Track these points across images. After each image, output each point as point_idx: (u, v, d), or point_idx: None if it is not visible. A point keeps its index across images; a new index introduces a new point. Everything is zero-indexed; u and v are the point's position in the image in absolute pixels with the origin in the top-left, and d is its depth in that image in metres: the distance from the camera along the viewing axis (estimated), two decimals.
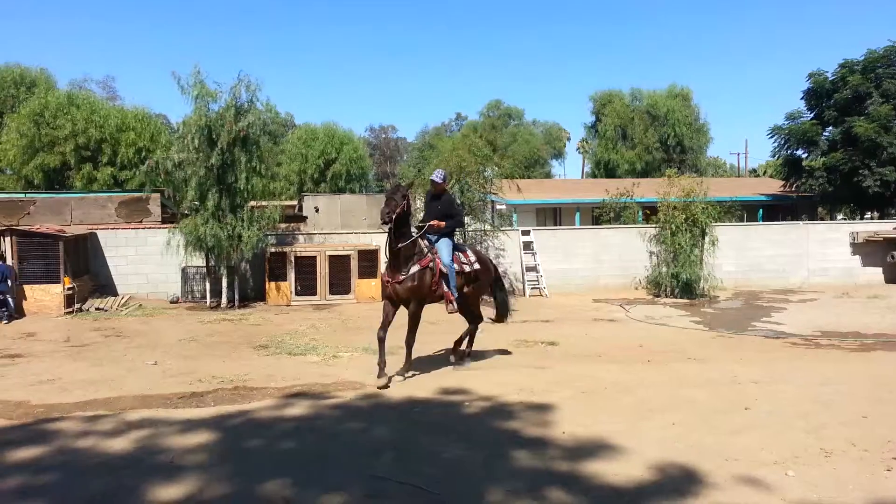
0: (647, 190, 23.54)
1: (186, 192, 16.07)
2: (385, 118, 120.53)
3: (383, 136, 71.07)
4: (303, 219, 24.10)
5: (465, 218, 17.82)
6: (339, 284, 17.40)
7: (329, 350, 10.66)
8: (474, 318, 9.57)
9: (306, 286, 17.29)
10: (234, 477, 5.17)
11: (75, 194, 21.80)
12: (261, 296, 17.57)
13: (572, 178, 57.83)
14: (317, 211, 25.04)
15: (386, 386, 7.92)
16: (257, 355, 10.33)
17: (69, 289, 15.33)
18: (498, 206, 25.58)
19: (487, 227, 18.34)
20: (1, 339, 12.24)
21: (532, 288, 19.48)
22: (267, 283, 17.25)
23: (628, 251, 20.27)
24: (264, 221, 16.73)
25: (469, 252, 9.33)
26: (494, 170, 18.82)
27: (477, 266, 9.16)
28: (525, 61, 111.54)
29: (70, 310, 15.15)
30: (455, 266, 8.75)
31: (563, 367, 9.29)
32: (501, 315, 10.13)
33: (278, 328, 13.39)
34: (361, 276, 17.53)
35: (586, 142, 57.87)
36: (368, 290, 17.53)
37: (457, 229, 9.74)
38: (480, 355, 10.12)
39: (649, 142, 47.31)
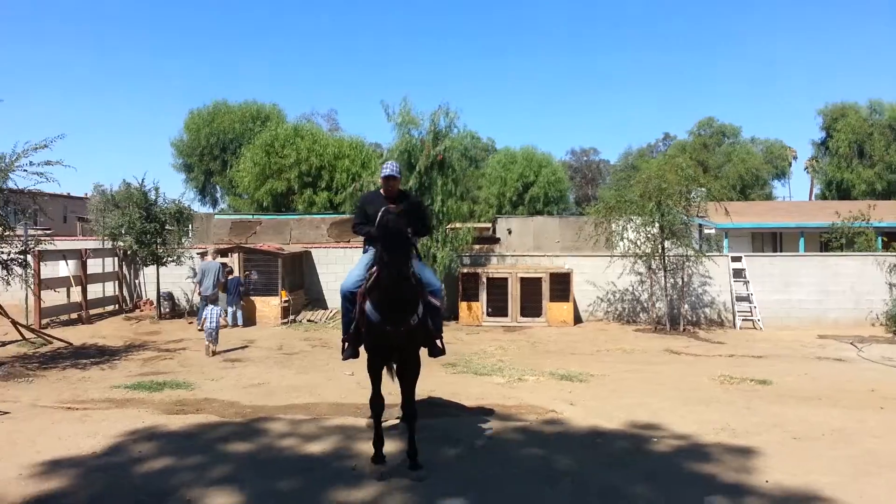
0: (886, 213, 20.75)
1: None
2: (587, 141, 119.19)
3: (585, 158, 70.17)
4: (496, 240, 24.40)
5: (667, 242, 16.84)
6: (531, 307, 17.24)
7: (515, 373, 10.52)
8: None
9: (497, 307, 17.37)
10: (410, 490, 5.22)
11: (294, 216, 24.16)
12: (454, 315, 17.96)
13: (800, 200, 52.46)
14: (509, 233, 25.21)
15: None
16: (445, 373, 10.47)
17: (285, 301, 16.89)
18: (706, 230, 23.91)
19: (690, 252, 17.11)
20: (224, 344, 13.69)
21: (743, 319, 17.81)
22: (459, 303, 17.62)
23: (863, 282, 17.83)
24: (457, 242, 17.15)
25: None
26: (701, 192, 17.55)
27: None
28: (742, 77, 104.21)
29: (285, 320, 16.67)
30: None
31: (773, 408, 8.25)
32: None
33: (467, 347, 13.53)
34: (553, 299, 17.24)
35: (816, 160, 52.37)
36: (560, 313, 17.17)
37: None
38: (675, 389, 9.36)
39: (892, 159, 41.55)
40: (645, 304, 18.20)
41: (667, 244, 16.91)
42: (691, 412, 7.91)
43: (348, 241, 20.70)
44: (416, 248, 6.03)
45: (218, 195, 45.61)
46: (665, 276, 17.31)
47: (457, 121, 17.21)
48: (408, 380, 5.95)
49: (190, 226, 19.92)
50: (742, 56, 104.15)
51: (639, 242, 16.99)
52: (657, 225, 16.65)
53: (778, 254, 23.83)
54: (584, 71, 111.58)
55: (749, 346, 14.58)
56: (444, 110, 17.05)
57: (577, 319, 17.95)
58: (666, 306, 17.35)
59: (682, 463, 5.95)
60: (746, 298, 17.99)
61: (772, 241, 29.35)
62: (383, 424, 6.99)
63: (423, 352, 6.15)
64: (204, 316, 12.94)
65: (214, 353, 12.40)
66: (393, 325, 5.54)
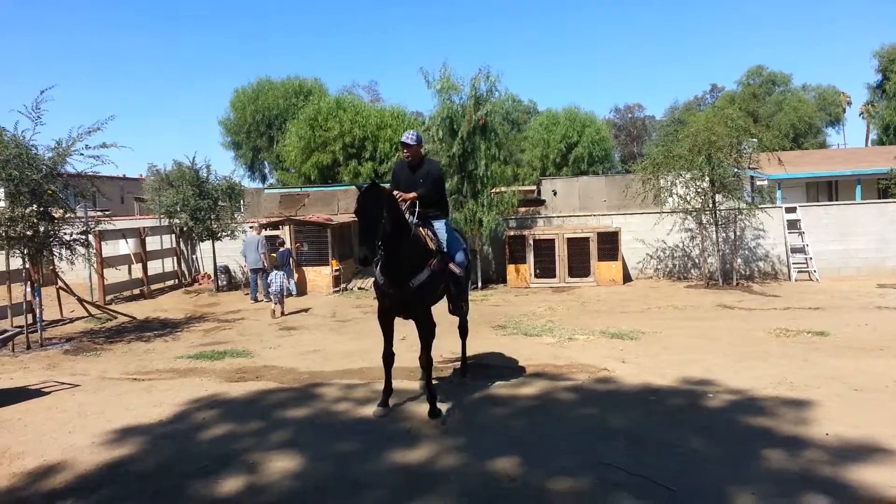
0: None
1: None
2: (631, 97, 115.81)
3: (629, 115, 68.40)
4: (541, 202, 24.17)
5: (717, 196, 16.39)
6: (578, 267, 17.15)
7: (565, 332, 10.52)
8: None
9: (545, 269, 17.33)
10: (465, 450, 5.30)
11: (340, 187, 24.39)
12: (502, 278, 18.01)
13: (855, 147, 50.30)
14: (554, 194, 24.92)
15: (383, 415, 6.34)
16: (495, 335, 10.54)
17: (336, 271, 17.19)
18: (758, 182, 23.22)
19: (742, 204, 16.65)
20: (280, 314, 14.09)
21: (799, 271, 17.36)
22: (507, 266, 17.62)
23: None
24: (503, 206, 17.09)
25: (459, 237, 7.37)
26: (752, 142, 16.99)
27: (469, 257, 7.44)
28: (791, 21, 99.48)
29: (337, 289, 16.98)
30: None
31: (832, 360, 8.06)
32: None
33: (516, 309, 13.57)
34: (601, 258, 17.08)
35: (871, 105, 50.00)
36: (608, 272, 17.02)
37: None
38: (729, 344, 9.23)
39: None
40: (696, 260, 17.88)
41: (718, 198, 16.50)
42: (746, 367, 7.79)
43: None
44: (409, 212, 6.33)
45: (266, 170, 46.29)
46: (717, 231, 16.94)
47: (497, 84, 17.01)
48: (420, 336, 6.34)
49: (241, 201, 20.32)
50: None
51: (688, 197, 16.62)
52: (707, 179, 16.24)
53: (833, 203, 22.98)
54: (625, 24, 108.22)
55: (805, 297, 14.23)
56: (484, 74, 16.85)
57: (627, 278, 17.78)
58: (718, 261, 17.01)
59: (739, 417, 5.89)
60: (802, 250, 17.50)
61: (827, 190, 28.30)
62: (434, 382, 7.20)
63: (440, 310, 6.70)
64: (269, 280, 14.15)
65: (281, 314, 13.53)
66: (391, 286, 6.10)
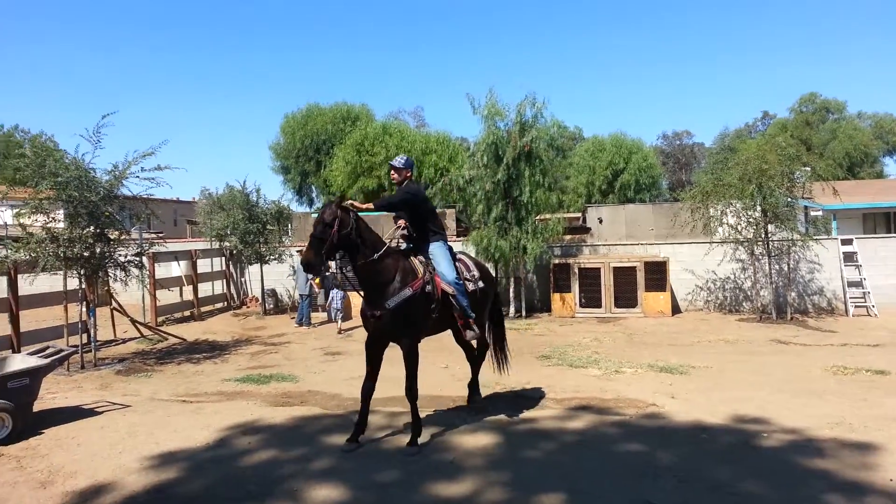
0: None
1: (476, 207, 16.99)
2: (680, 124, 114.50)
3: (677, 142, 67.56)
4: (587, 230, 23.92)
5: (770, 226, 15.95)
6: (625, 297, 16.85)
7: (611, 365, 10.32)
8: (480, 345, 7.71)
9: (591, 298, 17.08)
10: (510, 484, 5.21)
11: (385, 212, 24.55)
12: (546, 307, 17.83)
13: None
14: (600, 222, 24.65)
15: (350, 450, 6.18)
16: (539, 365, 10.41)
17: None
18: (812, 213, 22.58)
19: (795, 235, 16.17)
20: (326, 338, 14.24)
21: (856, 306, 16.73)
22: (552, 295, 17.44)
23: None
24: (548, 233, 16.96)
25: (469, 262, 7.20)
26: (804, 171, 16.56)
27: (481, 284, 7.14)
28: (845, 47, 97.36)
29: None
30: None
31: (892, 400, 7.71)
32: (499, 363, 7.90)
33: (562, 339, 13.39)
34: (649, 288, 16.76)
35: None
36: (657, 303, 16.69)
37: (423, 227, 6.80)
38: (783, 381, 8.92)
39: None
40: (748, 293, 17.41)
41: (770, 228, 16.07)
42: (802, 405, 7.51)
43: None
44: (398, 238, 6.72)
45: (314, 195, 46.98)
46: (769, 263, 16.47)
47: (543, 110, 16.96)
48: (404, 363, 6.35)
49: (289, 225, 20.66)
50: (845, 25, 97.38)
51: (740, 227, 16.24)
52: (759, 208, 15.85)
53: (892, 235, 22.18)
54: (675, 50, 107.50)
55: (863, 334, 13.69)
56: (530, 100, 16.87)
57: (675, 309, 17.40)
58: (771, 294, 16.52)
59: (796, 459, 5.65)
60: (859, 283, 16.88)
61: (885, 221, 27.36)
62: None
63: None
64: (330, 298, 15.71)
65: (341, 331, 14.78)
66: (369, 308, 6.25)
